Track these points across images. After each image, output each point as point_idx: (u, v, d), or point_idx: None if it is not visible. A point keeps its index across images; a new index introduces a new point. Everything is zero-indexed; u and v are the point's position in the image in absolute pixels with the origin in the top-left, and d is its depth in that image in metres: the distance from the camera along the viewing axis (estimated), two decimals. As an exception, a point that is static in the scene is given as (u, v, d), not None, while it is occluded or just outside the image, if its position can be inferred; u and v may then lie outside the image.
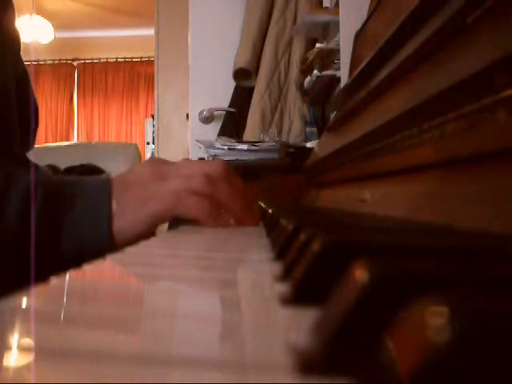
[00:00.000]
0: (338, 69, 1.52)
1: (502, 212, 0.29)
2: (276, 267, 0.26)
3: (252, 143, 1.57)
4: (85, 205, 0.49)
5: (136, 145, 3.16)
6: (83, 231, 0.48)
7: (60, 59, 5.98)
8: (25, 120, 0.66)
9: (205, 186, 0.52)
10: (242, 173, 0.62)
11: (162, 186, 0.51)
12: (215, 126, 2.38)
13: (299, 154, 1.48)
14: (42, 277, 0.47)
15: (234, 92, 2.37)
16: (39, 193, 0.48)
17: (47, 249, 0.47)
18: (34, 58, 5.50)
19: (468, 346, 0.08)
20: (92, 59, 6.00)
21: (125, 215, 0.49)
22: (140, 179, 0.52)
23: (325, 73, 1.70)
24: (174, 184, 0.51)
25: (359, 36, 0.99)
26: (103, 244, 0.48)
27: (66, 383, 0.11)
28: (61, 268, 0.47)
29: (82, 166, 0.69)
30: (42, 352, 0.12)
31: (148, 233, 0.52)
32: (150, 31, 4.44)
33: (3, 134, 0.60)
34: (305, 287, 0.18)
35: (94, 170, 0.70)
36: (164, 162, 0.55)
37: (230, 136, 1.90)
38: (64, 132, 6.00)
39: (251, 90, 2.25)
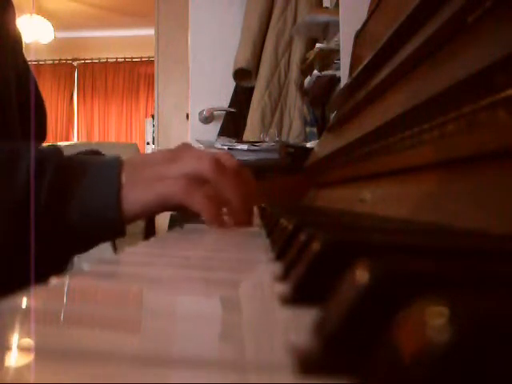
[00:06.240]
0: (338, 69, 1.52)
1: (501, 212, 0.29)
2: (276, 267, 0.26)
3: (252, 143, 1.57)
4: (94, 177, 0.50)
5: (136, 145, 3.16)
6: (91, 201, 0.49)
7: (60, 59, 5.98)
8: (25, 116, 0.66)
9: (213, 171, 0.52)
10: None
11: (171, 168, 0.52)
12: (215, 126, 2.38)
13: (299, 154, 1.48)
14: (49, 245, 0.49)
15: (233, 92, 2.37)
16: (51, 167, 0.49)
17: (54, 217, 0.48)
18: (34, 58, 5.49)
19: (468, 346, 0.08)
20: (92, 59, 6.00)
21: (133, 191, 0.50)
22: (151, 160, 0.53)
23: (325, 73, 1.70)
24: (183, 167, 0.52)
25: (359, 36, 0.99)
26: (110, 214, 0.49)
27: (65, 383, 0.11)
28: (67, 237, 0.49)
29: (85, 151, 0.69)
30: (42, 352, 0.12)
31: (155, 212, 0.53)
32: (150, 31, 4.44)
33: (2, 131, 0.60)
34: (305, 287, 0.18)
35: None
36: (189, 146, 0.55)
37: (230, 136, 1.91)
38: (64, 132, 5.99)
39: (251, 90, 2.25)
